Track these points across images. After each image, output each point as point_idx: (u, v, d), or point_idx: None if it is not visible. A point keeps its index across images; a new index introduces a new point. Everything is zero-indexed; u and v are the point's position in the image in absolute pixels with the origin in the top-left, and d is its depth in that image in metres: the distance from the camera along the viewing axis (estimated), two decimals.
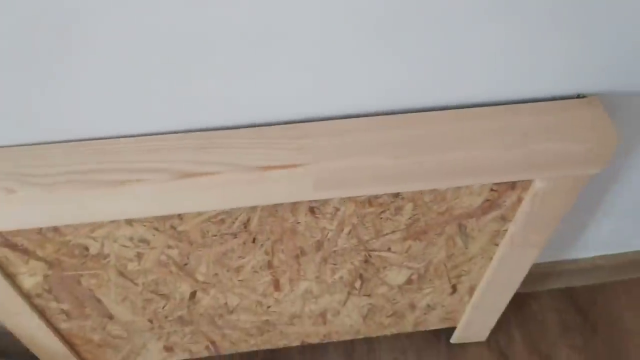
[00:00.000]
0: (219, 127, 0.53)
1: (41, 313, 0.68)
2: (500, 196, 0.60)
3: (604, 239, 0.92)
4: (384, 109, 0.54)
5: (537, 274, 0.96)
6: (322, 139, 0.51)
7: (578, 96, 0.56)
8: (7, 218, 0.50)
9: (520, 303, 0.98)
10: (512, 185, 0.58)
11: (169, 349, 0.82)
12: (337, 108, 0.53)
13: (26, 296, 0.64)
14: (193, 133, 0.52)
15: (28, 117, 0.49)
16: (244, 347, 0.85)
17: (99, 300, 0.68)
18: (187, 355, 0.85)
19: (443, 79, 0.52)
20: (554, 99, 0.55)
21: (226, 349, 0.85)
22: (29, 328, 0.69)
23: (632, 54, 0.53)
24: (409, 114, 0.53)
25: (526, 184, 0.58)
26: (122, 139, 0.51)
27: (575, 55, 0.51)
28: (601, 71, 0.54)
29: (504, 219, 0.64)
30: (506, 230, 0.66)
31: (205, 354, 0.86)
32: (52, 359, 0.77)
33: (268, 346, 0.87)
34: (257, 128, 0.52)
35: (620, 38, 0.50)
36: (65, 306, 0.67)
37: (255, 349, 0.87)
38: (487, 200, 0.60)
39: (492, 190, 0.59)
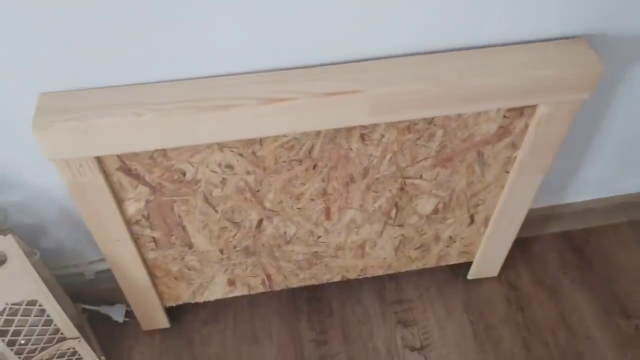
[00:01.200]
0: (283, 68, 0.68)
1: (135, 241, 0.82)
2: (512, 122, 0.75)
3: (593, 183, 1.07)
4: (418, 50, 0.69)
5: (538, 218, 1.11)
6: (373, 73, 0.67)
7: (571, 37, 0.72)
8: (131, 140, 0.65)
9: (524, 245, 1.13)
10: (521, 112, 0.74)
11: (232, 282, 0.96)
12: (382, 49, 0.68)
13: (127, 223, 0.78)
14: (269, 72, 0.67)
15: (150, 60, 0.64)
16: (294, 282, 0.99)
17: (184, 228, 0.82)
18: (245, 291, 0.99)
19: (464, 23, 0.67)
20: (551, 39, 0.71)
21: (278, 283, 0.99)
22: (123, 256, 0.82)
23: (614, 3, 0.69)
24: (439, 53, 0.69)
25: (532, 110, 0.74)
26: (216, 78, 0.66)
27: (573, 3, 0.67)
28: (589, 16, 0.69)
29: (514, 146, 0.79)
30: (516, 157, 0.81)
31: (260, 289, 1.00)
32: (135, 289, 0.90)
33: (314, 281, 1.01)
34: (320, 67, 0.67)
35: None
36: (156, 234, 0.81)
37: (303, 284, 1.01)
38: (501, 127, 0.75)
39: (505, 117, 0.74)
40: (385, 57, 0.69)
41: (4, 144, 0.72)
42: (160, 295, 0.95)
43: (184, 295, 0.96)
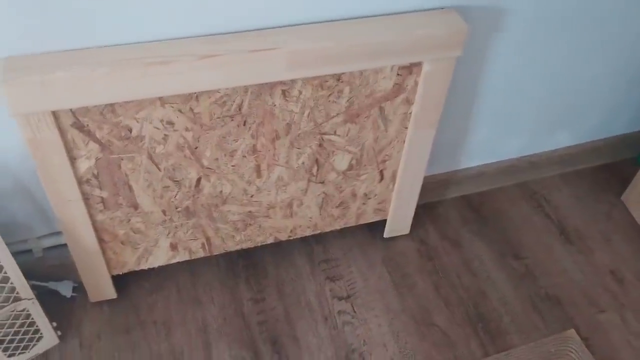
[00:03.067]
0: (214, 34, 0.81)
1: (85, 202, 0.91)
2: (404, 79, 0.92)
3: (482, 147, 1.27)
4: (321, 19, 0.85)
5: (440, 183, 1.29)
6: (288, 36, 0.82)
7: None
8: (85, 94, 0.76)
9: (430, 208, 1.31)
10: (410, 70, 0.91)
11: (174, 247, 1.06)
12: (295, 18, 0.84)
13: (79, 182, 0.87)
14: (203, 37, 0.80)
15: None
16: (230, 245, 1.10)
17: (130, 188, 0.92)
18: (187, 255, 1.09)
19: None
20: (427, 10, 0.89)
21: (217, 247, 1.10)
22: (75, 217, 0.91)
23: None
24: (338, 21, 0.85)
25: (418, 69, 0.91)
26: (158, 42, 0.79)
27: None
28: None
29: (408, 101, 0.96)
30: (411, 112, 0.98)
31: (201, 253, 1.10)
32: (84, 254, 0.98)
33: (249, 244, 1.12)
34: (244, 32, 0.81)
35: None
36: (104, 194, 0.91)
37: (239, 247, 1.12)
38: (396, 83, 0.93)
39: (398, 74, 0.91)
40: (297, 24, 0.84)
41: None
42: (107, 262, 1.03)
43: (130, 261, 1.05)
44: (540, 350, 1.08)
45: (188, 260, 1.11)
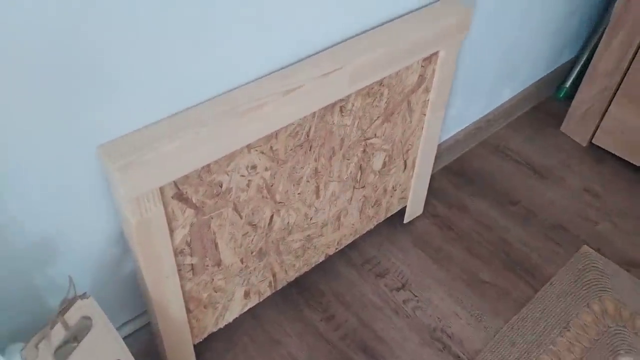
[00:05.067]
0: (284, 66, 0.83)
1: (179, 273, 0.86)
2: (426, 70, 1.01)
3: (454, 118, 1.41)
4: (353, 34, 0.90)
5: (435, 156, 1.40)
6: (345, 52, 0.86)
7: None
8: (192, 160, 0.73)
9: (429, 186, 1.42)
10: (430, 60, 1.00)
11: (247, 294, 1.03)
12: (332, 39, 0.88)
13: (175, 254, 0.83)
14: (276, 73, 0.81)
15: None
16: (291, 274, 1.11)
17: (216, 245, 0.89)
18: (257, 299, 1.07)
19: (375, 7, 0.91)
20: (428, 5, 0.99)
21: (281, 280, 1.09)
22: (169, 293, 0.86)
23: None
24: (367, 32, 0.91)
25: (436, 57, 1.01)
26: (238, 89, 0.79)
27: None
28: None
29: (427, 90, 1.06)
30: (428, 99, 1.08)
31: (268, 292, 1.09)
32: (172, 329, 0.93)
33: (306, 268, 1.13)
34: (308, 59, 0.84)
35: None
36: (194, 260, 0.87)
37: (298, 274, 1.12)
38: (420, 75, 1.01)
39: (422, 66, 1.00)
40: (336, 44, 0.88)
41: (62, 212, 0.72)
42: (191, 332, 0.98)
43: (209, 324, 1.01)
44: (572, 271, 1.24)
45: (249, 309, 1.09)
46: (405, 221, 1.32)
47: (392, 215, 1.29)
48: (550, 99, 1.69)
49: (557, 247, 1.30)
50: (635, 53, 1.32)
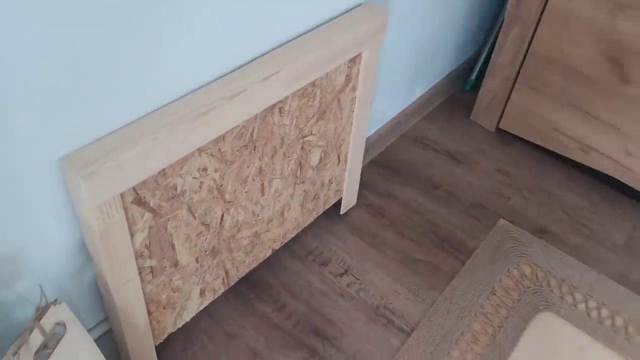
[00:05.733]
0: (222, 75, 0.90)
1: (139, 276, 0.90)
2: (351, 70, 1.11)
3: (377, 115, 1.52)
4: (287, 40, 0.99)
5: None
6: (280, 56, 0.94)
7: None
8: (150, 165, 0.78)
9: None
10: (354, 61, 1.10)
11: (202, 292, 1.08)
12: (269, 46, 0.96)
13: (136, 258, 0.87)
14: (221, 79, 0.88)
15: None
16: (242, 270, 1.17)
17: (173, 247, 0.94)
18: (212, 297, 1.12)
19: (304, 15, 1.00)
20: (350, 9, 1.09)
21: (233, 277, 1.15)
22: (131, 297, 0.90)
23: None
24: (298, 38, 0.99)
25: (360, 58, 1.11)
26: (187, 95, 0.84)
27: None
28: None
29: (354, 88, 1.15)
30: (356, 96, 1.17)
31: (222, 289, 1.14)
32: (135, 333, 0.96)
33: (255, 263, 1.19)
34: (248, 65, 0.91)
35: None
36: (154, 262, 0.91)
37: (248, 269, 1.18)
38: (347, 75, 1.11)
39: (348, 67, 1.09)
40: (273, 49, 0.96)
41: (22, 226, 0.74)
42: (153, 334, 1.01)
43: (168, 325, 1.05)
44: (492, 243, 1.39)
45: (204, 308, 1.14)
46: (341, 212, 1.42)
47: (329, 208, 1.38)
48: (459, 92, 1.85)
49: (478, 222, 1.44)
50: (529, 45, 1.49)
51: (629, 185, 1.48)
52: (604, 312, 1.26)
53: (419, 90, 1.68)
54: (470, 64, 1.86)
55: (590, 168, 1.55)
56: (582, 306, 1.27)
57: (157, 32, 0.75)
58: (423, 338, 1.18)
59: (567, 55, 1.43)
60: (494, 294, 1.27)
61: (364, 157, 1.54)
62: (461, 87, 1.87)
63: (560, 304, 1.27)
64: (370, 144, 1.55)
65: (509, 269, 1.33)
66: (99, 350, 0.80)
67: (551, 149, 1.60)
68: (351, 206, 1.44)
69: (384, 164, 1.59)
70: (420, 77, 1.63)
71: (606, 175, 1.52)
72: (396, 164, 1.59)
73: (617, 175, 1.49)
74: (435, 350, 1.16)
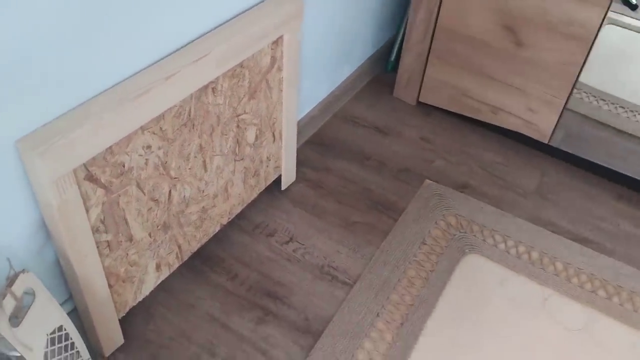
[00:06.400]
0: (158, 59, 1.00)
1: (98, 250, 0.98)
2: (275, 52, 1.23)
3: (307, 97, 1.65)
4: (211, 28, 1.09)
5: (297, 131, 1.63)
6: (210, 41, 1.04)
7: None
8: (98, 142, 0.87)
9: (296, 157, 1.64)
10: (277, 43, 1.22)
11: (158, 266, 1.17)
12: (198, 32, 1.06)
13: (92, 232, 0.95)
14: (157, 63, 0.98)
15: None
16: (194, 245, 1.26)
17: (126, 222, 1.03)
18: (167, 271, 1.21)
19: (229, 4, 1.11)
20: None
21: (186, 251, 1.24)
22: (92, 272, 0.98)
23: None
24: (223, 25, 1.10)
25: (282, 40, 1.23)
26: (127, 80, 0.94)
27: None
28: None
29: (280, 68, 1.27)
30: (282, 77, 1.29)
31: (176, 264, 1.23)
32: (100, 307, 1.04)
33: (206, 238, 1.29)
34: (181, 49, 1.01)
35: None
36: (110, 236, 1.00)
37: (200, 244, 1.28)
38: (272, 57, 1.22)
39: (271, 49, 1.21)
40: (202, 35, 1.07)
41: None
42: (115, 307, 1.10)
43: (129, 298, 1.13)
44: (420, 201, 1.54)
45: (162, 284, 1.23)
46: (282, 188, 1.53)
47: (270, 185, 1.49)
48: (382, 72, 2.00)
49: (406, 185, 1.59)
50: (436, 22, 1.65)
51: (535, 138, 1.67)
52: (521, 248, 1.43)
53: (346, 72, 1.81)
54: (389, 46, 2.01)
55: (501, 127, 1.72)
56: (502, 246, 1.44)
57: (100, 21, 0.85)
58: (364, 288, 1.32)
59: (469, 27, 1.60)
60: (425, 244, 1.42)
61: (300, 137, 1.67)
62: (384, 68, 2.02)
63: (482, 246, 1.43)
64: (304, 124, 1.67)
65: (436, 221, 1.48)
66: (66, 315, 0.89)
67: (466, 114, 1.77)
68: (291, 182, 1.56)
69: (319, 142, 1.71)
70: (345, 60, 1.77)
71: (515, 132, 1.71)
72: (330, 142, 1.72)
73: (524, 130, 1.68)
74: (375, 296, 1.30)
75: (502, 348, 1.23)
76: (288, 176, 1.52)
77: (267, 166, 1.41)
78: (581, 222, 1.52)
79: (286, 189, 1.55)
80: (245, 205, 1.40)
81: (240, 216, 1.44)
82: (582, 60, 1.49)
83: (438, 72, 1.74)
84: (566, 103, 1.58)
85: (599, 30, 1.43)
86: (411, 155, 1.69)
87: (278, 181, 1.51)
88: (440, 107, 1.81)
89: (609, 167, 1.63)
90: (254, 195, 1.42)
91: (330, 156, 1.67)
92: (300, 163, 1.61)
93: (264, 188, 1.45)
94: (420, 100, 1.85)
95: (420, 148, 1.72)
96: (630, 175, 1.60)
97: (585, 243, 1.47)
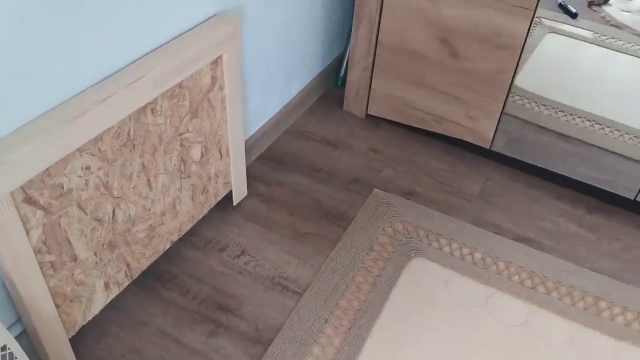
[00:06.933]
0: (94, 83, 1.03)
1: (41, 271, 1.01)
2: (215, 71, 1.27)
3: (258, 113, 1.69)
4: (146, 52, 1.14)
5: (246, 150, 1.67)
6: (147, 64, 1.08)
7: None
8: (37, 164, 0.90)
9: (247, 173, 1.68)
10: (216, 62, 1.27)
11: (107, 285, 1.20)
12: (132, 57, 1.11)
13: (34, 253, 0.98)
14: (93, 86, 1.01)
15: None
16: (144, 263, 1.29)
17: (69, 242, 1.05)
18: (117, 290, 1.24)
19: (162, 31, 1.16)
20: (207, 20, 1.26)
21: (135, 269, 1.27)
22: (36, 293, 1.00)
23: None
24: (166, 45, 1.15)
25: (221, 60, 1.27)
26: (64, 104, 0.97)
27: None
28: (218, 3, 1.27)
29: (221, 87, 1.32)
30: (225, 95, 1.34)
31: (126, 282, 1.26)
32: (48, 329, 1.06)
33: (155, 255, 1.32)
34: (118, 73, 1.05)
35: None
36: (53, 257, 1.02)
37: (149, 262, 1.31)
38: (212, 76, 1.27)
39: (211, 69, 1.26)
40: (138, 59, 1.11)
41: None
42: (64, 327, 1.11)
43: (78, 318, 1.15)
44: (368, 209, 1.59)
45: (112, 302, 1.25)
46: (234, 203, 1.57)
47: (222, 200, 1.52)
48: (332, 87, 2.07)
49: (356, 195, 1.64)
50: (377, 37, 1.72)
51: (478, 144, 1.74)
52: (465, 250, 1.49)
53: (296, 89, 1.87)
54: (339, 61, 2.08)
55: (445, 135, 1.79)
56: (446, 249, 1.49)
57: (36, 45, 0.88)
58: (314, 295, 1.35)
59: (408, 41, 1.67)
60: (372, 250, 1.47)
61: (252, 153, 1.71)
62: (334, 83, 2.08)
63: (428, 249, 1.48)
64: (255, 140, 1.71)
65: (384, 228, 1.53)
66: (10, 335, 0.90)
67: (412, 124, 1.83)
68: (243, 197, 1.60)
69: (271, 157, 1.76)
70: (294, 77, 1.82)
71: (459, 139, 1.77)
72: (282, 156, 1.77)
73: (466, 137, 1.75)
74: (324, 303, 1.34)
75: (447, 346, 1.28)
76: (239, 191, 1.56)
77: (216, 183, 1.45)
78: (523, 223, 1.59)
79: (238, 204, 1.58)
80: (195, 221, 1.43)
81: (191, 232, 1.47)
82: (514, 68, 1.56)
83: (383, 86, 1.80)
84: (503, 109, 1.65)
85: (526, 39, 1.51)
86: (360, 166, 1.74)
87: (230, 197, 1.55)
88: (388, 118, 1.87)
89: (549, 169, 1.70)
90: (205, 211, 1.45)
91: (282, 170, 1.71)
92: (252, 178, 1.66)
93: (214, 204, 1.48)
94: (369, 113, 1.91)
95: (369, 158, 1.77)
96: (569, 176, 1.68)
97: (526, 242, 1.53)
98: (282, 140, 1.82)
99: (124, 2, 1.04)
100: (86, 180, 1.04)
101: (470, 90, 1.65)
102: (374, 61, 1.78)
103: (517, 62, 1.55)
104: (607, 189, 1.64)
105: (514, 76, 1.58)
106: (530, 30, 1.50)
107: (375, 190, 1.65)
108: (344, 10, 1.98)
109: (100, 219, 1.11)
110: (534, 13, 1.46)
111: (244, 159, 1.53)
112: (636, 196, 1.61)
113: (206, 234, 1.49)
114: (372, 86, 1.83)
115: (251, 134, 1.70)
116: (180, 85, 1.19)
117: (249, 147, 1.69)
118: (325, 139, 1.84)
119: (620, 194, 1.63)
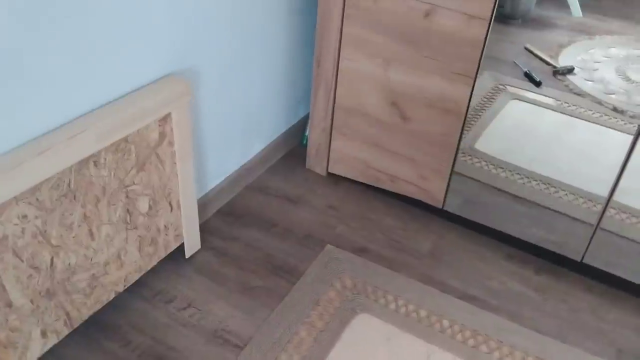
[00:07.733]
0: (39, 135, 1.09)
1: None
2: (164, 128, 1.34)
3: (216, 169, 1.75)
4: (91, 109, 1.21)
5: (200, 207, 1.72)
6: (90, 118, 1.15)
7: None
8: None
9: (204, 227, 1.72)
10: (165, 120, 1.33)
11: (44, 333, 1.21)
12: (76, 113, 1.17)
13: None
14: (33, 140, 1.07)
15: None
16: (85, 312, 1.31)
17: (4, 287, 1.08)
18: (55, 339, 1.25)
19: (114, 89, 1.23)
20: (158, 79, 1.33)
21: (75, 319, 1.29)
22: None
23: (185, 53, 1.36)
24: (114, 101, 1.22)
25: (169, 117, 1.34)
26: (1, 155, 1.03)
27: (160, 59, 1.31)
28: (172, 62, 1.35)
29: (171, 144, 1.38)
30: (174, 151, 1.40)
31: (65, 331, 1.27)
32: None
33: (98, 305, 1.34)
34: (60, 127, 1.12)
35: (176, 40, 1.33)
36: None
37: (91, 311, 1.33)
38: (160, 132, 1.33)
39: (159, 125, 1.32)
40: (90, 111, 1.18)
41: None
42: None
43: None
44: (319, 264, 1.61)
45: (50, 350, 1.26)
46: (187, 256, 1.60)
47: (175, 252, 1.56)
48: (298, 145, 2.14)
49: (309, 250, 1.67)
50: (334, 100, 1.80)
51: (429, 203, 1.78)
52: (410, 307, 1.51)
53: (257, 147, 1.94)
54: (305, 121, 2.16)
55: (399, 194, 1.84)
56: (392, 305, 1.51)
57: None
58: (254, 349, 1.36)
59: (362, 105, 1.74)
60: (319, 305, 1.48)
61: (211, 207, 1.76)
62: (300, 142, 2.16)
63: (374, 306, 1.50)
64: (214, 195, 1.76)
65: (332, 283, 1.55)
66: None
67: (369, 183, 1.88)
68: (196, 250, 1.63)
69: (229, 212, 1.80)
70: (255, 136, 1.89)
71: (412, 198, 1.82)
72: (241, 211, 1.81)
73: (419, 197, 1.79)
74: (264, 356, 1.34)
75: None
76: (191, 244, 1.59)
77: (167, 235, 1.49)
78: (470, 281, 1.61)
79: (191, 257, 1.61)
80: (143, 272, 1.46)
81: (140, 283, 1.49)
82: (459, 131, 1.63)
83: (342, 145, 1.87)
84: (452, 170, 1.71)
85: (469, 104, 1.59)
86: (316, 222, 1.78)
87: (183, 249, 1.58)
88: (348, 176, 1.93)
89: (501, 230, 1.74)
90: (153, 263, 1.48)
91: (239, 225, 1.75)
92: (208, 232, 1.69)
93: (164, 256, 1.51)
94: (329, 171, 1.97)
95: (326, 215, 1.82)
96: (520, 237, 1.71)
97: (472, 301, 1.55)
98: (242, 195, 1.87)
99: (73, 62, 1.12)
100: (23, 228, 1.08)
101: (421, 151, 1.71)
102: (332, 122, 1.85)
103: (462, 126, 1.62)
104: (556, 251, 1.67)
105: (460, 139, 1.65)
106: (480, 96, 1.58)
107: (328, 246, 1.68)
108: (309, 74, 2.07)
109: (37, 267, 1.14)
110: (474, 81, 1.54)
111: (197, 213, 1.57)
112: (582, 258, 1.64)
113: (155, 285, 1.52)
114: (331, 146, 1.90)
115: (209, 189, 1.76)
116: (126, 140, 1.25)
117: (207, 202, 1.73)
118: (286, 195, 1.89)
119: (569, 255, 1.66)
